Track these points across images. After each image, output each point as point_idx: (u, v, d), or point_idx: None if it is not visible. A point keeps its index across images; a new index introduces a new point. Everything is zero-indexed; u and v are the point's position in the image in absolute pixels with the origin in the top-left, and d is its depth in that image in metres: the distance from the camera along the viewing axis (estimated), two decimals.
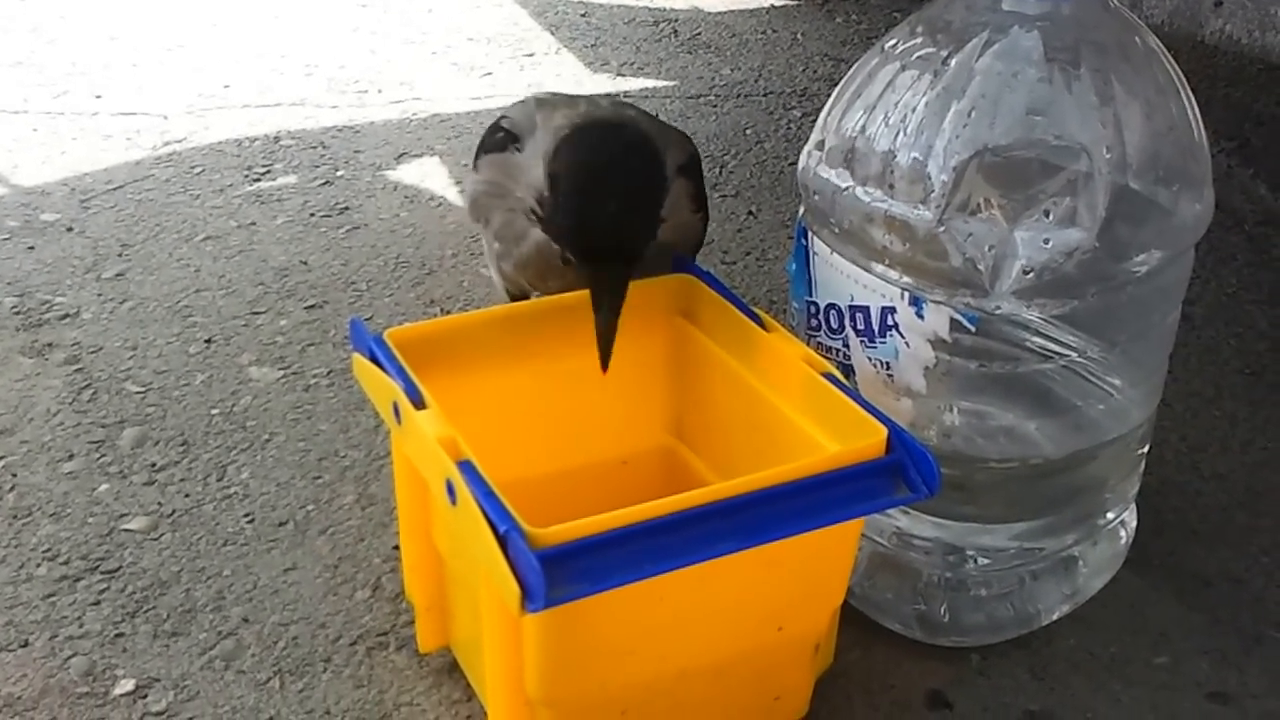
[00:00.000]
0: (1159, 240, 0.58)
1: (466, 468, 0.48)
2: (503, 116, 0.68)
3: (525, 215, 0.64)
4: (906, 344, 0.58)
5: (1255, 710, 0.62)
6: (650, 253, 0.59)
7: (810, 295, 0.63)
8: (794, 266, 0.64)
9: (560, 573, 0.45)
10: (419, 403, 0.53)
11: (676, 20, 1.60)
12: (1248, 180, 1.16)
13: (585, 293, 0.64)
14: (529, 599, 0.45)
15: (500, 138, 0.67)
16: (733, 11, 1.63)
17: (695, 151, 0.69)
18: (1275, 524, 0.74)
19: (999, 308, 0.56)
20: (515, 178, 0.65)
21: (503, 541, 0.46)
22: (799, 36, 1.54)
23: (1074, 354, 0.59)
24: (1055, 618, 0.66)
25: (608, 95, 0.73)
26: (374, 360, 0.57)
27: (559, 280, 0.66)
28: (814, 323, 0.63)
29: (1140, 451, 0.67)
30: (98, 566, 0.70)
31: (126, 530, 0.73)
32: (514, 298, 0.74)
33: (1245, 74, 1.27)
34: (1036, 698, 0.62)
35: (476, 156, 0.69)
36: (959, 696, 0.62)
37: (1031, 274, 0.55)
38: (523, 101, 0.69)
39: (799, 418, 0.58)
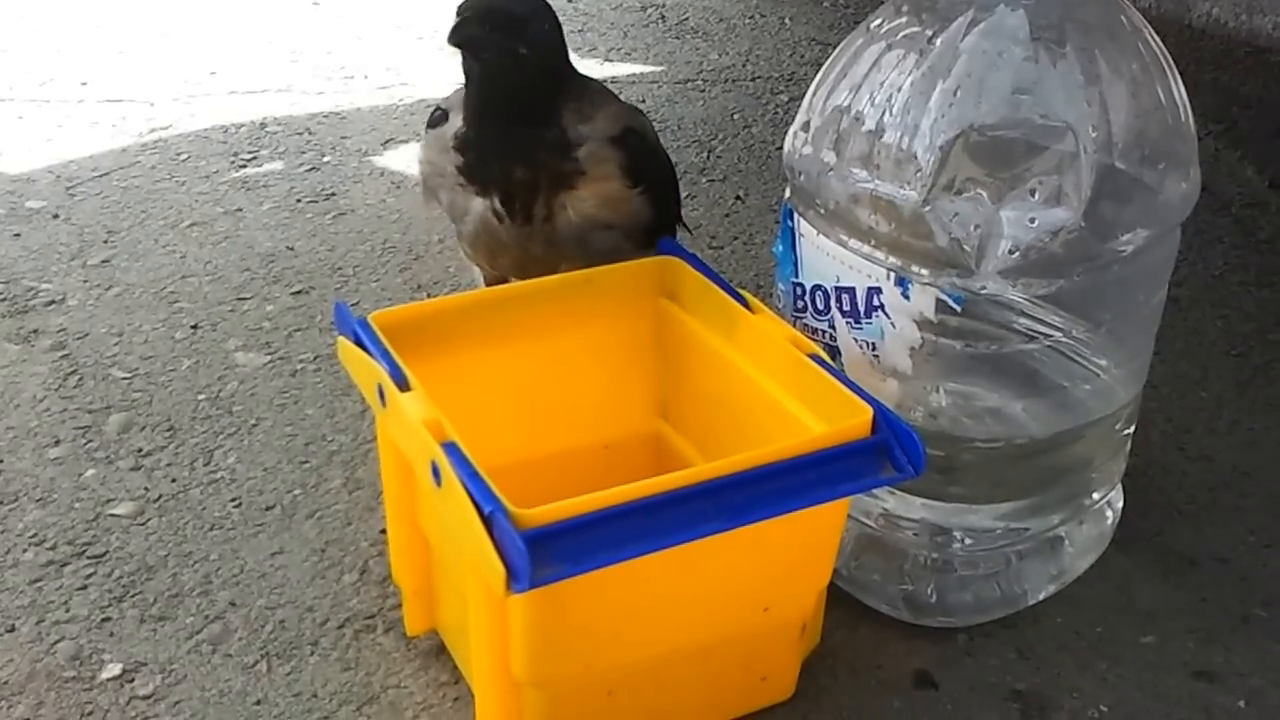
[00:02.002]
0: (1145, 219, 0.58)
1: (451, 449, 0.48)
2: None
3: (457, 183, 0.66)
4: (892, 324, 0.58)
5: (1241, 688, 0.62)
6: (582, 226, 0.64)
7: (796, 276, 0.63)
8: (780, 248, 0.64)
9: (545, 553, 0.45)
10: (403, 385, 0.53)
11: (664, 5, 1.59)
12: (1235, 163, 1.16)
13: (569, 275, 0.64)
14: (514, 580, 0.45)
15: (435, 115, 0.69)
16: None
17: (642, 130, 0.70)
18: (1261, 504, 0.74)
19: (985, 288, 0.56)
20: (447, 149, 0.66)
21: (488, 522, 0.46)
22: (786, 21, 1.54)
23: (1060, 334, 0.59)
24: (1042, 598, 0.66)
25: None
26: (358, 343, 0.56)
27: (507, 256, 0.68)
28: (800, 304, 0.63)
29: (1126, 432, 0.67)
30: (84, 551, 0.70)
31: (113, 515, 0.72)
32: (490, 282, 0.74)
33: (1232, 57, 1.28)
34: (1023, 677, 0.62)
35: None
36: (946, 676, 0.62)
37: (1017, 253, 0.55)
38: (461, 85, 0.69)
39: (784, 399, 0.58)
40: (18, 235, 1.03)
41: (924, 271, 0.57)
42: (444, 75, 1.40)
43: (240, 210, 1.08)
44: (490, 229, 0.66)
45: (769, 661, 0.58)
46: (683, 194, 1.10)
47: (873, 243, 0.58)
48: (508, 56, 0.62)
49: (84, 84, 1.34)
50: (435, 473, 0.49)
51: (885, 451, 0.53)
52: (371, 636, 0.64)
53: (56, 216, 1.06)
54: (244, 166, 1.15)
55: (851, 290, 0.59)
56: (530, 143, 0.64)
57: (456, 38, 0.62)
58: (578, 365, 0.64)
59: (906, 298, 0.57)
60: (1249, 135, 1.18)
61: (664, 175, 0.72)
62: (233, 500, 0.74)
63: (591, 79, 0.71)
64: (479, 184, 0.65)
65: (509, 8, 0.62)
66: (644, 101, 1.30)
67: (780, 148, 0.65)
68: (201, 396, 0.83)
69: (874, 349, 0.60)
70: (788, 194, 0.64)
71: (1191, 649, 0.64)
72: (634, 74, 1.38)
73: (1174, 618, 0.66)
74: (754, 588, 0.55)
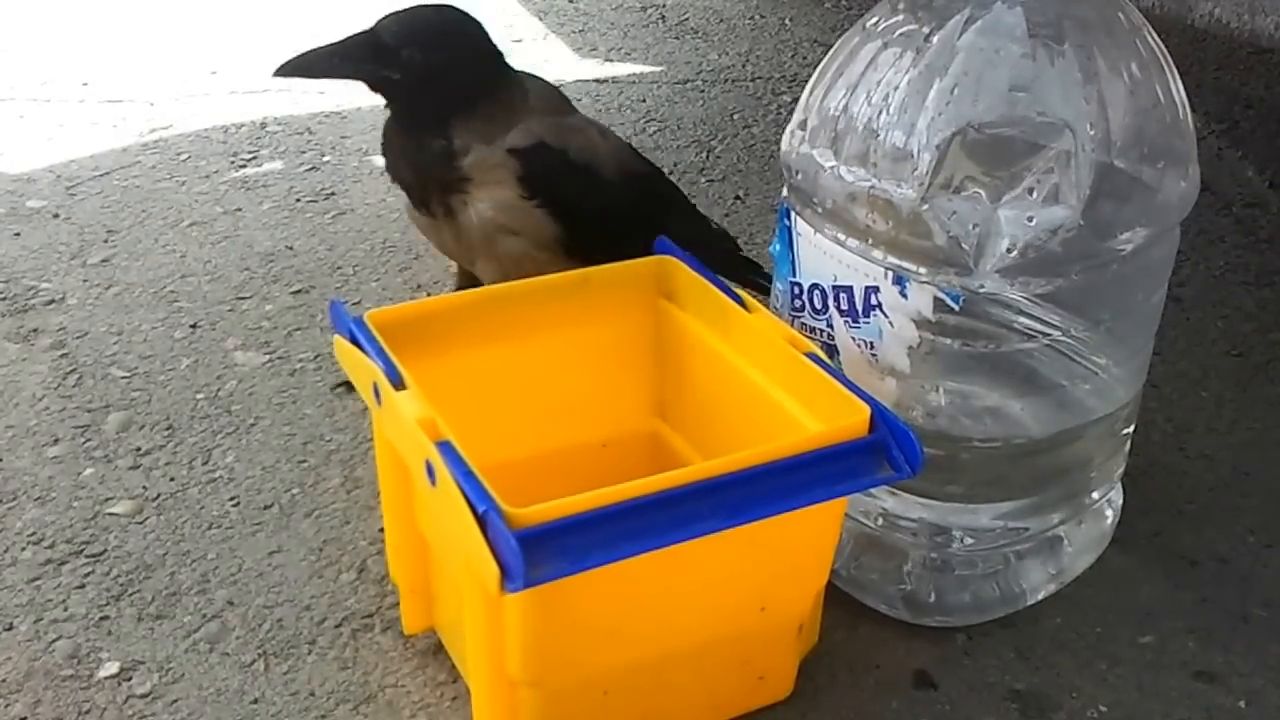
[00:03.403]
0: (1144, 218, 0.58)
1: (445, 448, 0.48)
2: None
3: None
4: (890, 323, 0.58)
5: (1241, 688, 0.62)
6: (485, 228, 0.70)
7: (794, 276, 0.63)
8: (777, 247, 0.64)
9: (539, 553, 0.45)
10: (399, 384, 0.53)
11: (664, 6, 1.59)
12: (1236, 163, 1.15)
13: (566, 275, 0.64)
14: (508, 579, 0.45)
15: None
16: None
17: (563, 147, 0.71)
18: (1261, 504, 0.74)
19: (983, 286, 0.56)
20: None
21: (481, 521, 0.46)
22: (786, 22, 1.54)
23: (1059, 333, 0.59)
24: (1041, 597, 0.66)
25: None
26: (354, 342, 0.56)
27: (438, 245, 0.74)
28: (798, 303, 0.63)
29: (1125, 431, 0.67)
30: (83, 550, 0.70)
31: (111, 514, 0.72)
32: (458, 273, 0.79)
33: (1235, 57, 1.27)
34: (1022, 677, 0.62)
35: None
36: (944, 676, 0.62)
37: (1015, 252, 0.55)
38: None
39: (782, 398, 0.58)
40: (18, 234, 1.03)
41: (922, 270, 0.57)
42: None
43: (240, 210, 1.08)
44: (415, 220, 0.75)
45: (767, 661, 0.58)
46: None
47: (870, 241, 0.58)
48: (378, 80, 0.70)
49: (85, 84, 1.34)
50: (430, 472, 0.49)
51: (883, 451, 0.52)
52: (369, 635, 0.64)
53: (57, 216, 1.06)
54: (244, 166, 1.15)
55: (849, 289, 0.59)
56: (417, 149, 0.70)
57: (284, 71, 0.69)
58: (575, 364, 0.64)
59: (904, 296, 0.57)
60: (1250, 135, 1.18)
61: (586, 194, 0.72)
62: (231, 499, 0.74)
63: (546, 89, 0.75)
64: (393, 181, 0.75)
65: (383, 36, 0.69)
66: (644, 101, 1.30)
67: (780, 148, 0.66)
68: (200, 395, 0.83)
69: (872, 348, 0.60)
70: (785, 193, 0.64)
71: (1191, 649, 0.64)
72: (634, 74, 1.38)
73: (1174, 618, 0.66)
74: (751, 587, 0.54)
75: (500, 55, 0.72)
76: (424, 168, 0.70)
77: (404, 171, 0.72)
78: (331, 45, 0.69)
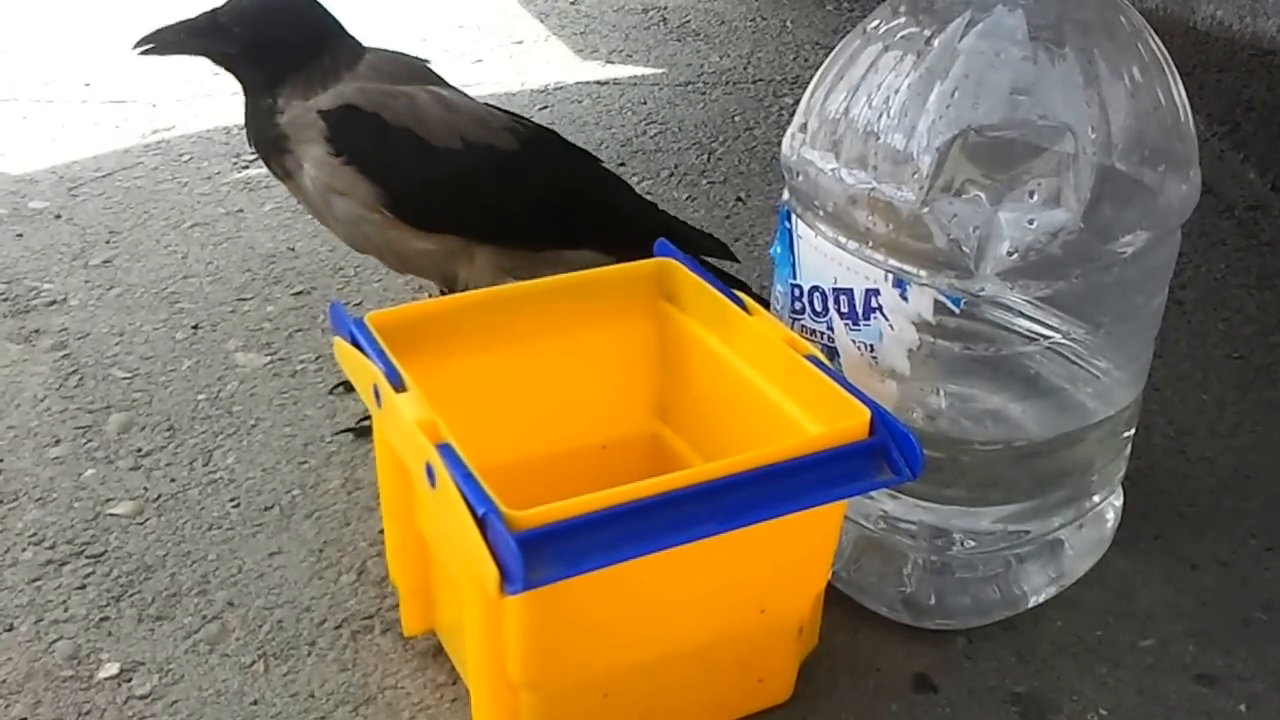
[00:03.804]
0: (1145, 221, 0.58)
1: (445, 450, 0.48)
2: None
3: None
4: (890, 326, 0.58)
5: (1242, 692, 0.62)
6: (319, 189, 0.75)
7: (794, 278, 0.63)
8: (778, 249, 0.64)
9: (539, 555, 0.45)
10: (399, 386, 0.53)
11: (665, 8, 1.60)
12: (1238, 165, 1.15)
13: (567, 277, 0.64)
14: (507, 581, 0.45)
15: None
16: None
17: (376, 109, 0.75)
18: (1262, 507, 0.74)
19: (983, 289, 0.56)
20: None
21: (481, 524, 0.46)
22: (788, 24, 1.54)
23: (1059, 336, 0.59)
24: (1042, 600, 0.66)
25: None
26: (355, 344, 0.56)
27: (302, 202, 0.79)
28: (798, 306, 0.63)
29: (1126, 434, 0.67)
30: (83, 551, 0.70)
31: (112, 515, 0.73)
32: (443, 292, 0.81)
33: (1236, 59, 1.27)
34: (1023, 680, 0.62)
35: None
36: (945, 679, 0.62)
37: (1016, 255, 0.55)
38: None
39: (782, 400, 0.58)
40: (20, 235, 1.03)
41: (922, 273, 0.57)
42: (447, 77, 1.41)
43: (242, 211, 1.08)
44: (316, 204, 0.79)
45: (766, 663, 0.58)
46: (683, 195, 1.11)
47: (870, 244, 0.58)
48: (218, 55, 0.76)
49: (87, 85, 1.35)
50: (430, 474, 0.49)
51: (883, 454, 0.52)
52: (369, 637, 0.64)
53: (59, 217, 1.06)
54: (246, 168, 1.16)
55: (849, 292, 0.59)
56: (254, 113, 0.76)
57: (141, 48, 0.75)
58: (575, 366, 0.64)
59: (905, 299, 0.57)
60: (1252, 138, 1.18)
61: (408, 159, 0.74)
62: (231, 500, 0.74)
63: (394, 61, 0.78)
64: (250, 147, 0.79)
65: (220, 18, 0.76)
66: (645, 103, 1.30)
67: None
68: (201, 397, 0.83)
69: (872, 350, 0.60)
70: (786, 195, 0.64)
71: (1192, 652, 0.64)
72: (635, 76, 1.38)
73: (1174, 621, 0.66)
74: (751, 589, 0.54)
75: (333, 28, 0.78)
76: (258, 129, 0.76)
77: (250, 135, 0.78)
78: (181, 22, 0.76)
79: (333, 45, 0.77)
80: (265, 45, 0.75)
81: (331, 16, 0.78)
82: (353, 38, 0.79)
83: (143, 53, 0.75)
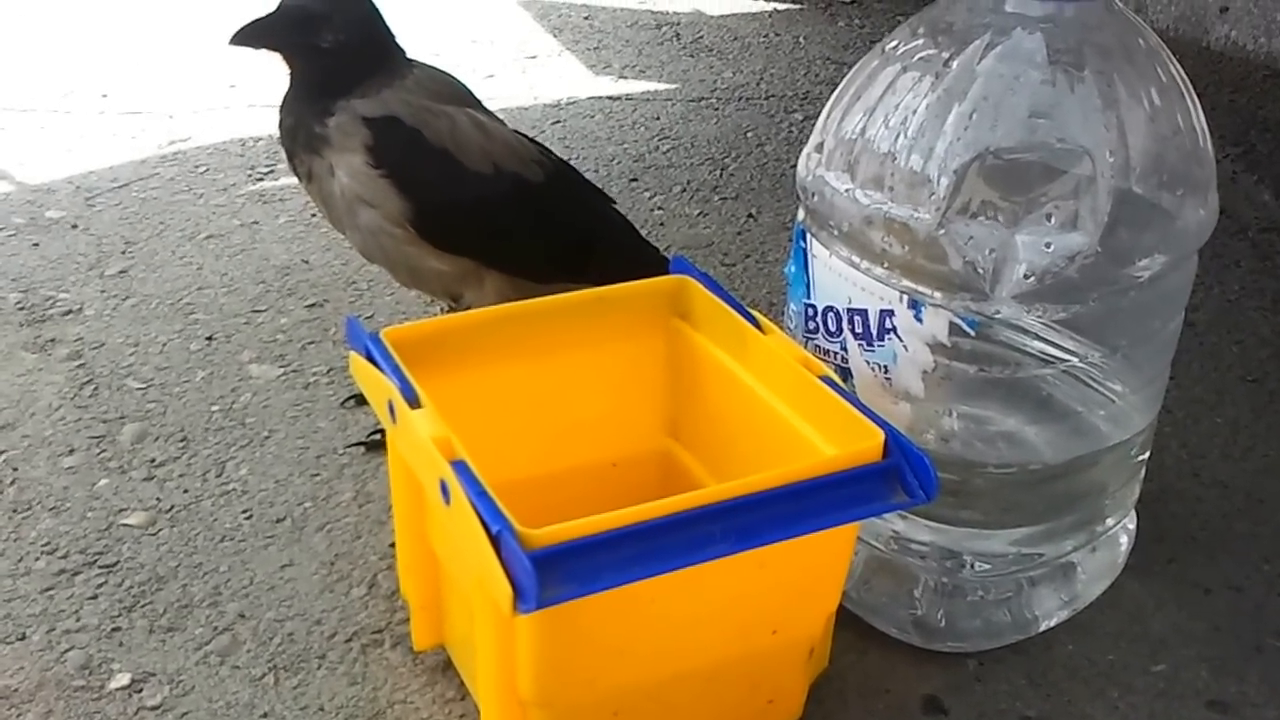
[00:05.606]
0: (1162, 245, 0.58)
1: (460, 467, 0.48)
2: None
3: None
4: (905, 347, 0.58)
5: (1255, 719, 0.61)
6: (346, 195, 0.74)
7: (808, 298, 0.63)
8: (792, 269, 0.64)
9: (553, 574, 0.45)
10: (414, 402, 0.53)
11: (679, 23, 1.60)
12: (1252, 186, 1.15)
13: (581, 294, 0.64)
14: (521, 600, 0.45)
15: None
16: (735, 15, 1.63)
17: (416, 124, 0.74)
18: (1276, 532, 0.74)
19: (999, 312, 0.56)
20: None
21: (495, 542, 0.46)
22: (801, 40, 1.54)
23: (1075, 359, 0.58)
24: (1053, 624, 0.65)
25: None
26: (370, 359, 0.57)
27: (319, 207, 0.78)
28: (812, 325, 0.63)
29: (1140, 458, 0.66)
30: (96, 561, 0.70)
31: (125, 525, 0.73)
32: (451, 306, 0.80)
33: (1251, 80, 1.27)
34: (1034, 704, 0.62)
35: None
36: (955, 702, 0.62)
37: (1032, 278, 0.55)
38: None
39: (795, 421, 0.58)
40: (37, 244, 1.04)
41: (937, 295, 0.57)
42: None
43: (257, 223, 1.08)
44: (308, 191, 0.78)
45: (776, 684, 0.58)
46: (695, 211, 1.11)
47: (886, 265, 0.58)
48: (307, 48, 0.74)
49: (104, 96, 1.35)
50: (444, 491, 0.49)
51: (897, 476, 0.52)
52: (379, 651, 0.64)
53: (75, 227, 1.07)
54: (261, 180, 1.16)
55: (864, 312, 0.59)
56: (304, 110, 0.75)
57: (240, 40, 0.73)
58: (589, 383, 0.64)
59: (919, 321, 0.57)
60: (1267, 159, 1.18)
61: (442, 178, 0.74)
62: (244, 512, 0.74)
63: (438, 80, 0.78)
64: (280, 143, 0.77)
65: (310, 7, 0.74)
66: (658, 119, 1.30)
67: (794, 166, 0.66)
68: (215, 408, 0.83)
69: (886, 372, 0.60)
70: (801, 215, 0.64)
71: (1205, 678, 0.64)
72: (648, 91, 1.38)
73: (1187, 646, 0.65)
74: (762, 610, 0.54)
75: (393, 39, 0.77)
76: (297, 126, 0.75)
77: (285, 131, 0.76)
78: (268, 15, 0.74)
79: (394, 57, 0.77)
80: (352, 48, 0.74)
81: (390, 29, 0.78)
82: (403, 51, 0.78)
83: (237, 44, 0.74)
